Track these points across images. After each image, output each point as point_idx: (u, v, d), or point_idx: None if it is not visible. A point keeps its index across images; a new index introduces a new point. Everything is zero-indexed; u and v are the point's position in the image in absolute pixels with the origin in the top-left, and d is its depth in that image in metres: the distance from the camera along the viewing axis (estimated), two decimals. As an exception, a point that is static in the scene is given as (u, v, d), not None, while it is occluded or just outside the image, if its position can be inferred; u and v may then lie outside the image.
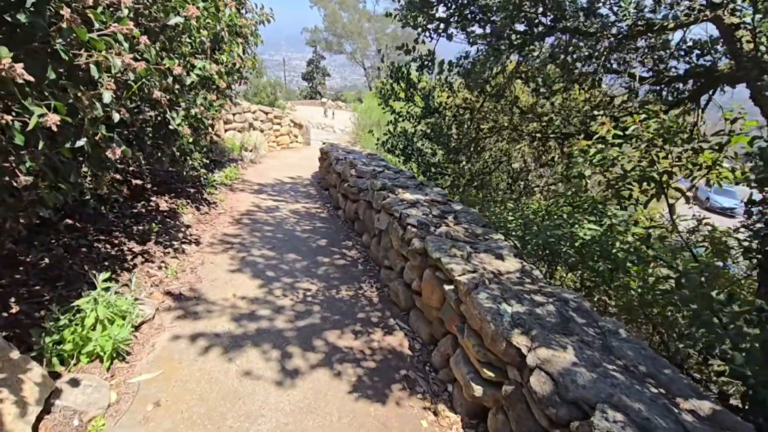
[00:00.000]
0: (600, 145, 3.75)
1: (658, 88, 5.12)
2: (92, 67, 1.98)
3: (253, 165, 9.89)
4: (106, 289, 2.74)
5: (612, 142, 3.71)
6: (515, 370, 2.23)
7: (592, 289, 3.46)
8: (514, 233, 4.04)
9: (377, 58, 46.67)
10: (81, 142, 2.29)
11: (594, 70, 4.08)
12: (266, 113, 12.38)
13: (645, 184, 3.56)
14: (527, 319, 2.35)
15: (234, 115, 10.53)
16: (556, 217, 4.28)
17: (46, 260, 3.20)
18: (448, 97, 6.37)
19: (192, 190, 6.08)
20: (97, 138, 2.34)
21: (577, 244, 3.18)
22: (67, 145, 2.25)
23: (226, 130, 10.30)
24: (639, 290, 2.86)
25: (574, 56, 3.99)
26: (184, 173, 5.97)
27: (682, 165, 3.55)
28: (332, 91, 47.44)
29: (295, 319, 3.49)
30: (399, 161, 7.37)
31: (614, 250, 3.28)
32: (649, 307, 2.83)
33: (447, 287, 2.95)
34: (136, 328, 2.94)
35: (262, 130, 12.03)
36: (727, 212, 18.06)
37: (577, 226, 3.30)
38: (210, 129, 6.23)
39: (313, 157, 11.47)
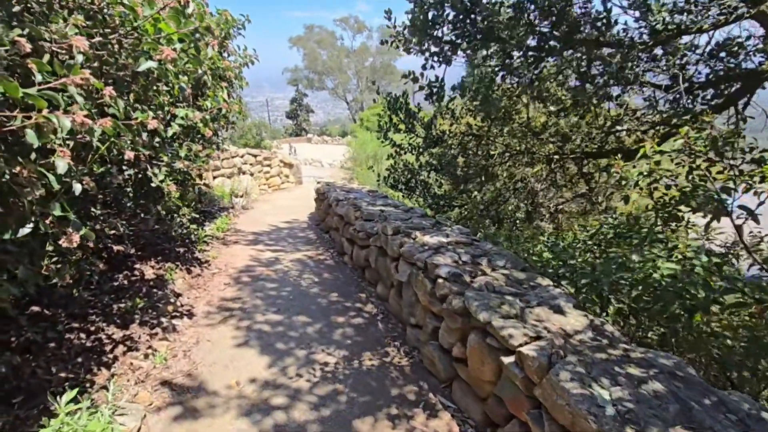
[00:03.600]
0: (645, 165, 3.31)
1: (676, 96, 4.76)
2: (29, 132, 1.44)
3: (245, 212, 9.34)
4: (75, 411, 2.11)
5: (657, 160, 3.28)
6: (635, 485, 1.63)
7: (667, 340, 2.89)
8: (557, 273, 3.48)
9: (358, 92, 47.43)
10: (26, 230, 1.73)
11: (619, 82, 3.70)
12: (255, 156, 11.95)
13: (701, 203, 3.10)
14: (637, 410, 1.76)
15: (222, 161, 10.07)
16: (598, 248, 3.77)
17: (1, 370, 2.55)
18: (451, 125, 5.97)
19: (181, 250, 5.47)
20: (48, 221, 1.79)
21: (654, 285, 2.64)
22: (6, 236, 1.69)
23: (214, 178, 9.80)
24: (744, 341, 2.31)
25: (605, 69, 3.61)
26: (173, 232, 5.38)
27: (744, 179, 3.10)
28: (317, 127, 47.77)
29: (317, 406, 2.85)
30: (403, 196, 6.88)
31: (686, 286, 2.75)
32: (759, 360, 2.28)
33: (506, 360, 2.37)
34: (116, 453, 2.28)
35: (252, 174, 11.56)
36: None
37: (645, 263, 2.77)
38: (198, 179, 5.72)
39: (307, 196, 10.97)
